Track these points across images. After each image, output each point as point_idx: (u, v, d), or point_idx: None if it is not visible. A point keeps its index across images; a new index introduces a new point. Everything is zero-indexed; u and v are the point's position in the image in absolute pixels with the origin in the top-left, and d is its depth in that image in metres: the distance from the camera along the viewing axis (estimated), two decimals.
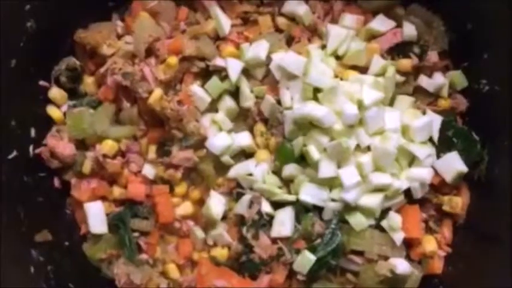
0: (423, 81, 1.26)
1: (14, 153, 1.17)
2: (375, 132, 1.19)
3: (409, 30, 1.24)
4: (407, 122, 1.22)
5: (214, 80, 1.23)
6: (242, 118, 1.27)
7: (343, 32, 1.24)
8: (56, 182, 1.27)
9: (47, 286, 1.16)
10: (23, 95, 1.19)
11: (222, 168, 1.25)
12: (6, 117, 1.15)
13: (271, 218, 1.22)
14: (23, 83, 1.18)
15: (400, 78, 1.24)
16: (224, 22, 1.25)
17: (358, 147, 1.20)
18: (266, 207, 1.21)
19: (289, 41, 1.27)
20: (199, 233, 1.26)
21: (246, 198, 1.22)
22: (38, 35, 1.15)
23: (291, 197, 1.21)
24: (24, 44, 1.14)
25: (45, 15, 1.16)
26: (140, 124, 1.26)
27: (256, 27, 1.27)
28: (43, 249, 1.18)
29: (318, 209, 1.21)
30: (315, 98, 1.20)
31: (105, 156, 1.23)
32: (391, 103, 1.25)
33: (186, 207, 1.25)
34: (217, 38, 1.27)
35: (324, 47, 1.26)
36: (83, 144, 1.26)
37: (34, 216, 1.19)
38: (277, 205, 1.23)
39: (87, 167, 1.23)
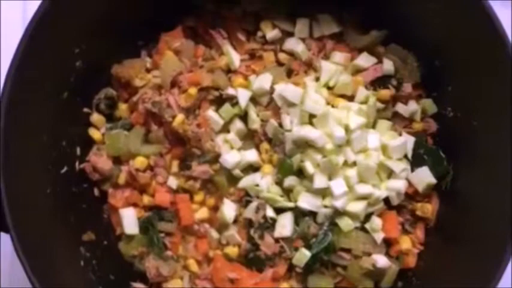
0: (400, 108, 1.31)
1: (65, 168, 1.25)
2: (359, 150, 1.25)
3: (388, 65, 1.30)
4: (386, 142, 1.27)
5: (227, 106, 1.29)
6: (250, 138, 1.32)
7: (333, 67, 1.30)
8: (96, 192, 1.33)
9: (94, 276, 1.24)
10: (71, 121, 1.26)
11: (233, 180, 1.30)
12: (59, 139, 1.23)
13: (274, 221, 1.27)
14: (71, 110, 1.26)
15: (380, 106, 1.29)
16: (235, 58, 1.31)
17: (345, 163, 1.25)
18: (270, 213, 1.27)
19: (289, 74, 1.32)
20: (214, 234, 1.31)
21: (253, 204, 1.28)
22: (84, 71, 1.22)
23: (291, 204, 1.27)
24: (74, 79, 1.22)
25: (90, 55, 1.22)
26: (165, 143, 1.30)
27: (262, 62, 1.32)
28: (88, 247, 1.25)
29: (313, 214, 1.26)
30: (311, 123, 1.26)
31: (137, 170, 1.28)
32: (373, 126, 1.30)
33: (203, 213, 1.30)
34: (229, 71, 1.32)
35: (318, 79, 1.31)
36: (118, 160, 1.31)
37: (80, 220, 1.26)
38: (279, 211, 1.28)
39: (122, 179, 1.30)
